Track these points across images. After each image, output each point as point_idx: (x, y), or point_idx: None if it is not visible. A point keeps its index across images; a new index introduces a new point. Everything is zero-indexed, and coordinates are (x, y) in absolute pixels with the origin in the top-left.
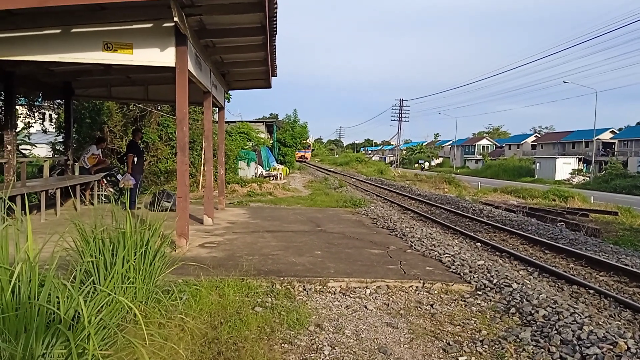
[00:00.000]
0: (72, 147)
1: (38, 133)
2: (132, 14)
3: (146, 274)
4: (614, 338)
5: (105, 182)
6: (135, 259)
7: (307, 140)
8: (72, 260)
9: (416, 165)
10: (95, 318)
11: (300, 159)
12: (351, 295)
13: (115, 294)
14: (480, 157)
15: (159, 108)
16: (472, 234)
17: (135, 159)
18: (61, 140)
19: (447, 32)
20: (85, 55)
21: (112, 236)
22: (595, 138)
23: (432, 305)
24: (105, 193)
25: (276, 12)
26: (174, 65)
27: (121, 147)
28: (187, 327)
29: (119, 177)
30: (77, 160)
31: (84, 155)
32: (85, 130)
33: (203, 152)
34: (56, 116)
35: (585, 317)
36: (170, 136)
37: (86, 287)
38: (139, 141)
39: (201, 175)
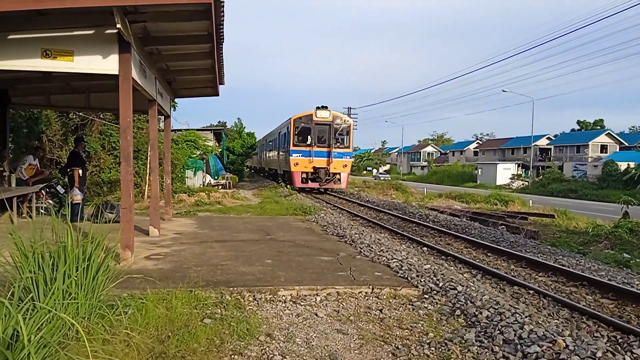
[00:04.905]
0: (9, 157)
1: None
2: (73, 20)
3: (89, 288)
4: (552, 336)
5: (44, 193)
6: (77, 274)
7: (343, 120)
8: (10, 277)
9: (365, 172)
10: (35, 336)
11: (314, 180)
12: (302, 303)
13: (56, 310)
14: (425, 163)
15: (101, 116)
16: (418, 239)
17: (80, 171)
18: None
19: (393, 42)
20: (22, 62)
21: (52, 250)
22: (533, 144)
23: (381, 310)
24: (45, 205)
25: (223, 20)
26: (117, 73)
27: (61, 157)
28: (132, 342)
29: (59, 188)
30: (13, 171)
31: (21, 166)
32: (23, 140)
33: (148, 162)
34: None
35: (526, 317)
36: (114, 145)
37: (25, 304)
38: (82, 151)
39: (146, 185)
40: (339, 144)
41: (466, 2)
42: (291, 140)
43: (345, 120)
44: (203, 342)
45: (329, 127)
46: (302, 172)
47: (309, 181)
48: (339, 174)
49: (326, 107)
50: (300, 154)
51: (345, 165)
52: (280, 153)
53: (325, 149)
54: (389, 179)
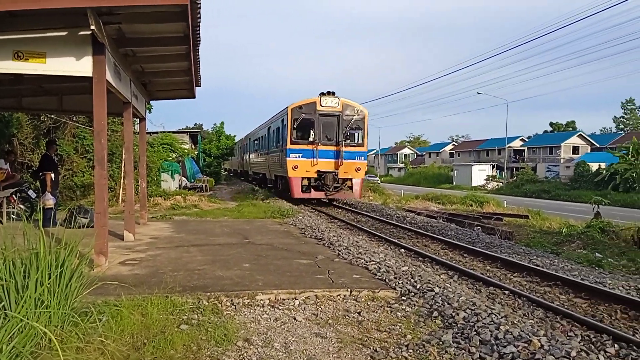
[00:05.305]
0: None
1: None
2: (45, 22)
3: (62, 296)
4: (528, 336)
5: (15, 198)
6: (49, 281)
7: (356, 111)
8: None
9: None
10: (7, 346)
11: (319, 188)
12: (280, 307)
13: (28, 319)
14: (402, 165)
15: (74, 119)
16: (396, 241)
17: (52, 175)
18: None
19: (372, 44)
20: None
21: (24, 257)
22: (507, 146)
23: (359, 313)
24: (16, 210)
25: (199, 22)
26: (90, 75)
27: (32, 160)
28: (107, 350)
29: (31, 192)
30: None
31: None
32: None
33: (123, 165)
34: None
35: (502, 317)
36: (87, 148)
37: None
38: (54, 154)
39: (121, 189)
40: (349, 140)
41: (440, 6)
42: (288, 136)
43: (358, 111)
44: (180, 348)
45: (338, 118)
46: (303, 178)
47: (312, 190)
48: (351, 180)
49: (333, 93)
50: (301, 155)
51: (359, 169)
52: (272, 154)
53: (332, 148)
54: (379, 181)
